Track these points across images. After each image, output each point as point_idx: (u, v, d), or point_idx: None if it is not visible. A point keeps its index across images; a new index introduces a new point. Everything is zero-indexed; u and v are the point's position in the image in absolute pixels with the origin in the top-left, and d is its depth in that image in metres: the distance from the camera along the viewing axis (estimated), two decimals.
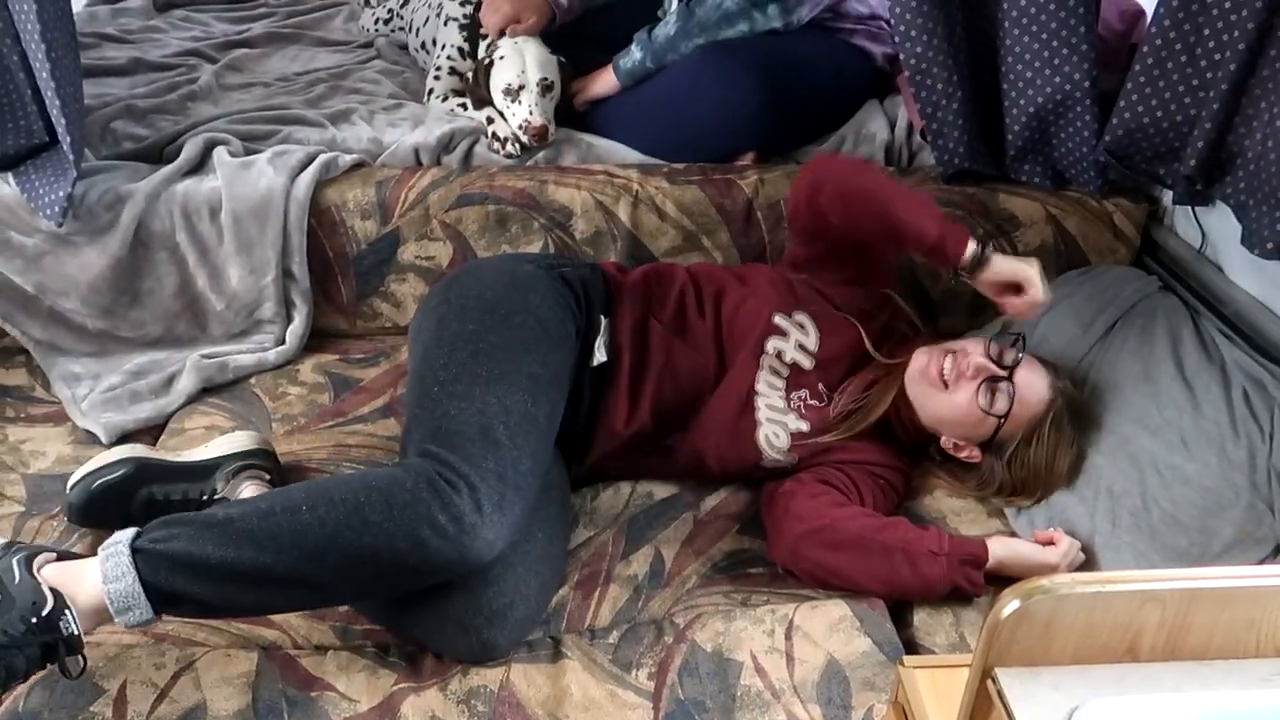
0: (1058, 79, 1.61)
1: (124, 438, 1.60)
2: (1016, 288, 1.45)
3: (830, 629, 1.26)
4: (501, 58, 1.90)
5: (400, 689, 1.19)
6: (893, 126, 1.89)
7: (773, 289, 1.55)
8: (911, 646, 1.29)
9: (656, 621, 1.30)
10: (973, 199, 1.75)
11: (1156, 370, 1.50)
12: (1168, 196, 1.74)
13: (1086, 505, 1.40)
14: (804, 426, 1.48)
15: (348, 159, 1.79)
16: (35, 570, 1.10)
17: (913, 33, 1.61)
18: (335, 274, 1.79)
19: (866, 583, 1.33)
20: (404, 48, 2.50)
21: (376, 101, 2.05)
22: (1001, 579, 1.32)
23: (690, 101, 1.81)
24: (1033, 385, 1.43)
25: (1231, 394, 1.44)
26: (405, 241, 1.77)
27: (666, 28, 1.85)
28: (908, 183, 1.76)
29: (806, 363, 1.50)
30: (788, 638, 1.25)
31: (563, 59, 1.93)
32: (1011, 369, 1.42)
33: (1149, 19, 1.65)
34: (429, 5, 2.28)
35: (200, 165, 1.79)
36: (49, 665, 1.08)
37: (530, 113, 1.84)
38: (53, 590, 1.08)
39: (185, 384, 1.68)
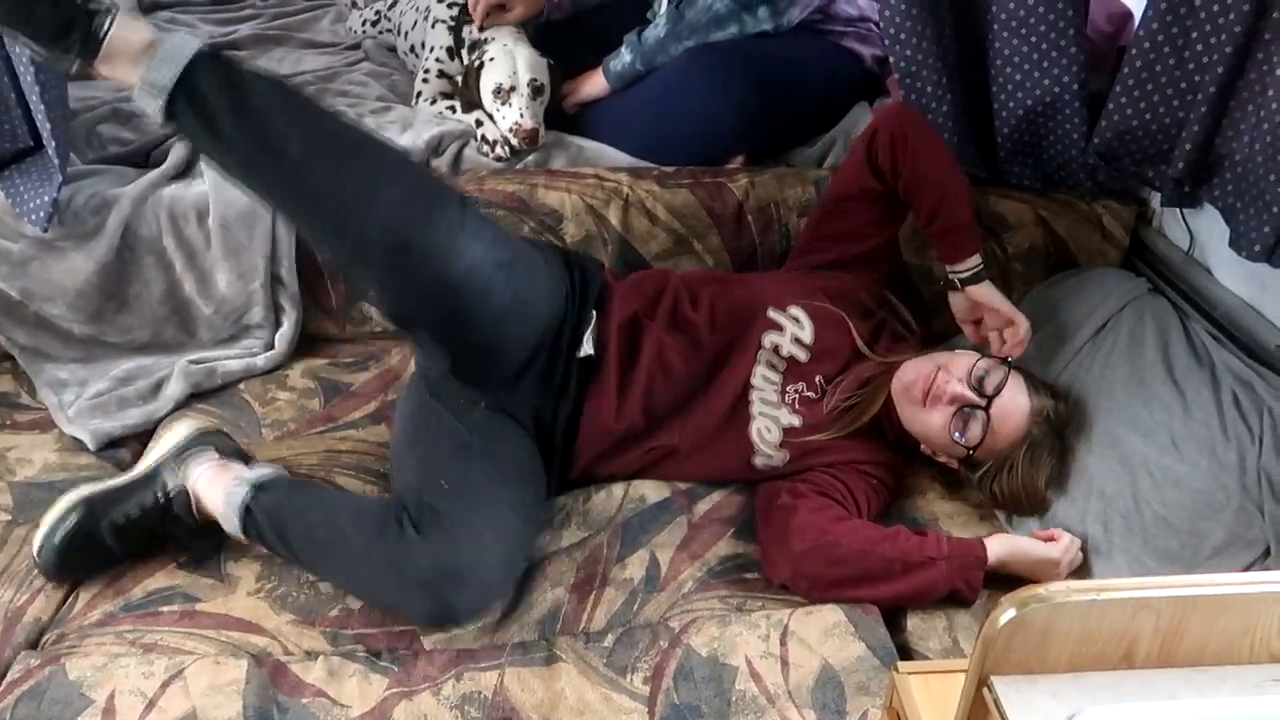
0: (1047, 81, 1.62)
1: (111, 444, 1.59)
2: (980, 320, 1.54)
3: (825, 634, 1.26)
4: (491, 59, 1.89)
5: (392, 694, 1.19)
6: None
7: (768, 284, 1.59)
8: (905, 651, 1.29)
9: (652, 626, 1.29)
10: None
11: (1146, 372, 1.51)
12: (1156, 199, 1.74)
13: (1078, 507, 1.41)
14: (796, 422, 1.49)
15: None
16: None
17: (902, 35, 1.62)
18: (324, 278, 1.78)
19: (869, 597, 1.33)
20: (392, 49, 2.48)
21: (364, 104, 2.04)
22: (999, 582, 1.33)
23: (680, 104, 1.81)
24: (1009, 416, 1.43)
25: (1221, 396, 1.45)
26: None
27: (656, 30, 1.84)
28: None
29: (802, 355, 1.51)
30: (783, 643, 1.25)
31: (552, 61, 1.93)
32: (991, 398, 1.42)
33: (1137, 22, 1.66)
34: (416, 9, 2.27)
35: (187, 169, 1.77)
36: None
37: (520, 115, 1.83)
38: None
39: (173, 390, 1.66)
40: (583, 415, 1.47)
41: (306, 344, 1.80)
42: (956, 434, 1.41)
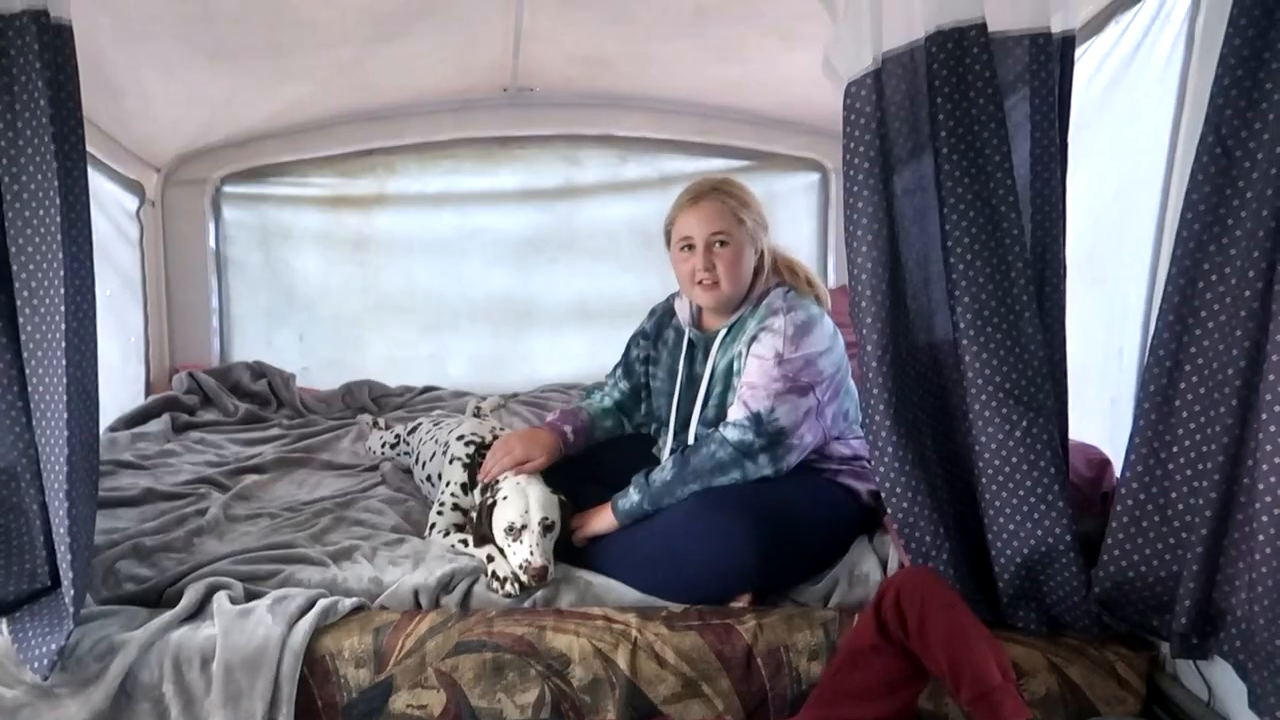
0: (1039, 531, 1.68)
1: None
2: None
3: None
4: (505, 498, 1.98)
5: None
6: (884, 566, 1.94)
7: None
8: None
9: None
10: None
11: None
12: (1166, 645, 1.74)
13: None
14: None
15: (348, 603, 1.79)
16: None
17: (898, 489, 1.71)
18: None
19: None
20: (408, 471, 2.61)
21: (378, 536, 2.10)
22: None
23: (687, 545, 1.86)
24: None
25: None
26: (398, 690, 1.73)
27: (663, 473, 1.95)
28: None
29: None
30: None
31: (563, 497, 2.02)
32: None
33: (1117, 472, 1.77)
34: (435, 441, 2.42)
35: (199, 609, 1.78)
36: None
37: (531, 553, 1.88)
38: None
39: None
40: None
41: None
42: None
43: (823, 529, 1.97)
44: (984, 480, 1.71)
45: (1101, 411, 2.11)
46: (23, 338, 1.66)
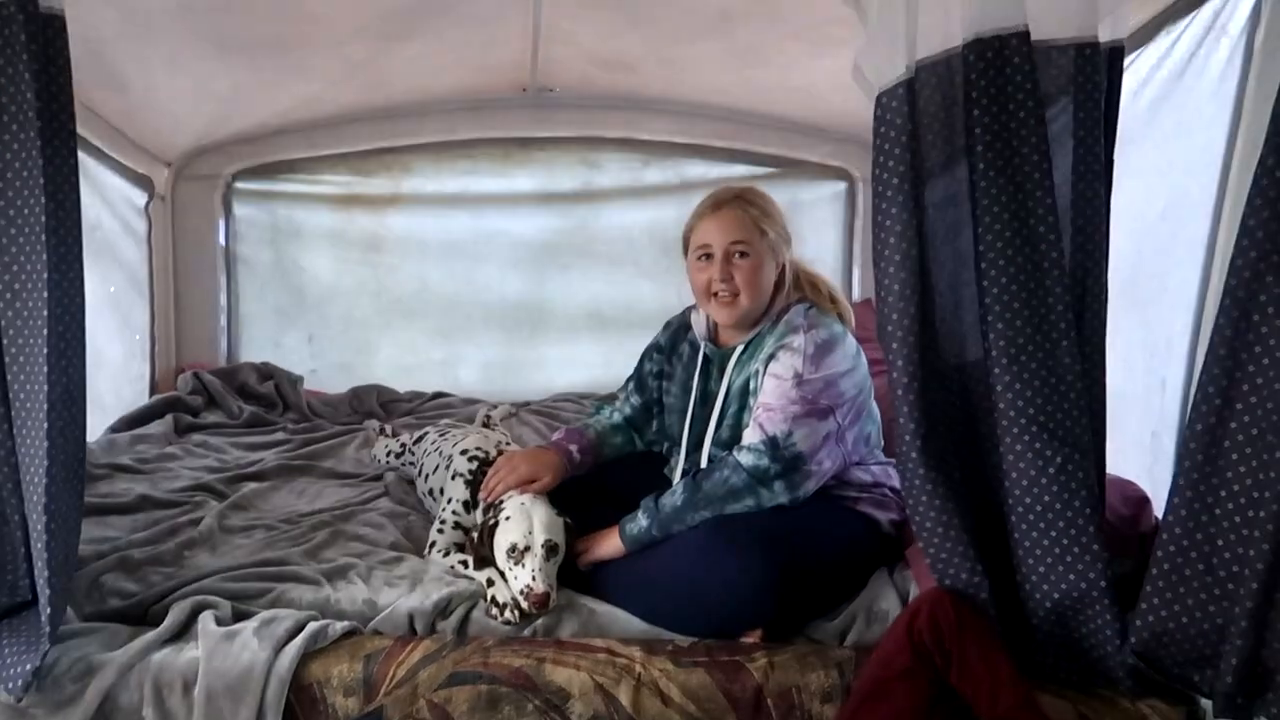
0: (1072, 576, 1.57)
1: None
2: None
3: None
4: (507, 518, 1.89)
5: None
6: (905, 602, 1.83)
7: None
8: None
9: None
10: None
11: None
12: (1205, 700, 1.63)
13: None
14: None
15: (339, 628, 1.71)
16: None
17: (929, 521, 1.61)
18: None
19: None
20: (412, 483, 2.53)
21: (376, 554, 2.02)
22: None
23: (696, 575, 1.77)
24: None
25: None
26: None
27: (673, 498, 1.86)
28: None
29: None
30: None
31: (569, 520, 1.93)
32: None
33: (1160, 512, 1.65)
34: (440, 453, 2.34)
35: (183, 630, 1.70)
36: None
37: (533, 578, 1.79)
38: None
39: None
40: None
41: None
42: None
43: (840, 561, 1.87)
44: (1013, 518, 1.60)
45: (1141, 446, 2.00)
46: (4, 342, 1.59)
